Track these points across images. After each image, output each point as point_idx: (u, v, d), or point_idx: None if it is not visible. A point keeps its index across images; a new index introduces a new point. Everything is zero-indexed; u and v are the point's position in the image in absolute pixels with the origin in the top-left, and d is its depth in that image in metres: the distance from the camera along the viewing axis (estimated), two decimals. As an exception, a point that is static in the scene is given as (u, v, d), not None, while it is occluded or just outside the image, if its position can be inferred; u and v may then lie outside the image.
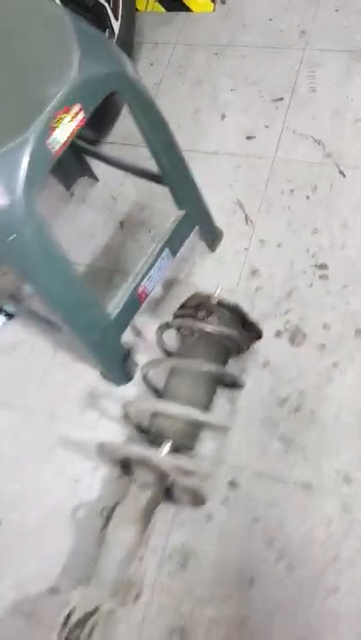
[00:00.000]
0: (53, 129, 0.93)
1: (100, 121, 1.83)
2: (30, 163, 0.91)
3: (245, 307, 1.32)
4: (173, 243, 1.39)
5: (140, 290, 1.35)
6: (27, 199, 0.93)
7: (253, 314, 1.38)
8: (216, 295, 1.31)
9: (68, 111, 0.94)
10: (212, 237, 1.58)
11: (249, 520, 1.24)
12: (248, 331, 1.34)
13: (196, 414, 1.15)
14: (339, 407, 1.32)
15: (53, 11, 1.07)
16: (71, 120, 0.95)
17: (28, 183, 0.92)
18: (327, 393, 1.34)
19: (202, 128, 1.82)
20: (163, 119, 1.20)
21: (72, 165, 1.77)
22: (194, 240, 1.56)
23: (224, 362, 1.32)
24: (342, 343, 1.39)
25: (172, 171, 1.29)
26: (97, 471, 1.35)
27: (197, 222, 1.48)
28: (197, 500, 1.16)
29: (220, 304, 1.28)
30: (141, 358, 1.45)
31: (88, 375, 1.48)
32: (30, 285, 1.09)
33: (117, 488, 1.28)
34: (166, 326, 1.29)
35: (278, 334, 1.45)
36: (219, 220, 1.60)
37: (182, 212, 1.38)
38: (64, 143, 0.96)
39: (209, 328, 1.23)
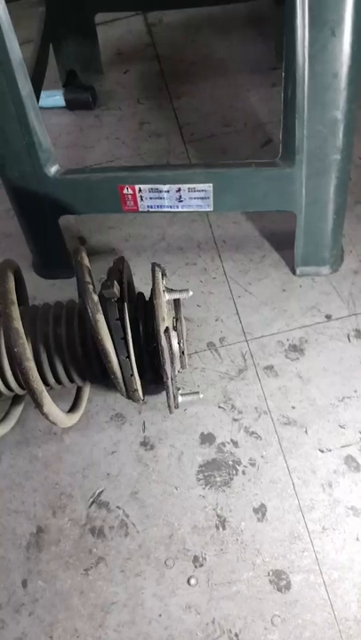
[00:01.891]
0: None
1: None
2: None
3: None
4: (226, 199, 0.78)
5: (127, 191, 0.79)
6: None
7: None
8: (175, 296, 0.71)
9: None
10: (316, 259, 0.92)
11: None
12: (151, 367, 0.74)
13: None
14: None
15: None
16: None
17: None
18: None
19: None
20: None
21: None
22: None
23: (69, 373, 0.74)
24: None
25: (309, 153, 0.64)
26: None
27: (300, 230, 0.83)
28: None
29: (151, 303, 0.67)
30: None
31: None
32: None
33: None
34: (76, 252, 0.73)
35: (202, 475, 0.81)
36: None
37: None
38: None
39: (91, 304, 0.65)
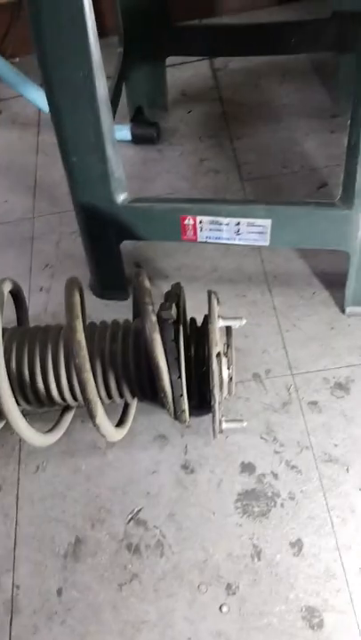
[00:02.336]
0: None
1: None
2: None
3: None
4: (283, 235, 0.81)
5: (188, 222, 0.84)
6: None
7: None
8: (229, 323, 0.74)
9: None
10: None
11: None
12: (198, 391, 0.76)
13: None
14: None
15: None
16: None
17: None
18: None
19: None
20: None
21: None
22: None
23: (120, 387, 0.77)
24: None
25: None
26: None
27: (354, 270, 0.85)
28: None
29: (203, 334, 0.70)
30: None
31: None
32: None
33: None
34: (138, 275, 0.77)
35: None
36: None
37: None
38: None
39: (150, 329, 0.68)
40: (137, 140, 1.31)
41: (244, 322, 0.73)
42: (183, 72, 1.50)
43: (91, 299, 1.06)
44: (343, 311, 0.97)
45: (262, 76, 1.44)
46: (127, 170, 1.28)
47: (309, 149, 1.25)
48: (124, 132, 1.30)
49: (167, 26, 1.17)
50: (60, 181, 0.89)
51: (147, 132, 1.29)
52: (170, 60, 1.39)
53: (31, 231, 1.19)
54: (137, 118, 1.33)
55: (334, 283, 1.00)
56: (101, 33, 0.66)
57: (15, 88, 1.34)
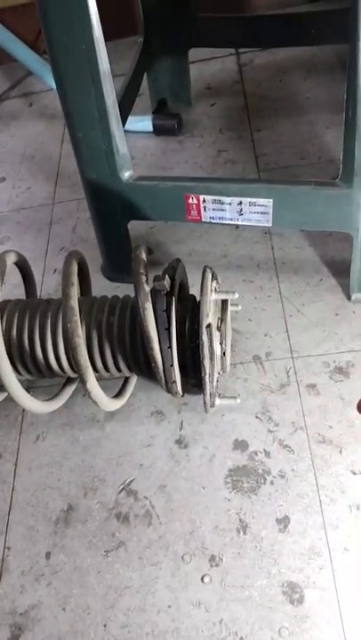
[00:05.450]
0: None
1: None
2: None
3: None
4: (285, 216, 0.81)
5: (192, 201, 0.85)
6: None
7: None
8: (222, 296, 0.75)
9: None
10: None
11: None
12: (194, 368, 0.77)
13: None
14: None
15: None
16: None
17: None
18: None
19: None
20: None
21: None
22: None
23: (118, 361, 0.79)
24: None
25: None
26: None
27: (357, 253, 0.84)
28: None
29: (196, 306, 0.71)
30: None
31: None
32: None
33: None
34: (136, 248, 0.79)
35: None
36: None
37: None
38: None
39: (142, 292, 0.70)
40: (158, 131, 1.34)
41: (236, 295, 0.74)
42: (210, 67, 1.53)
43: (102, 281, 1.09)
44: (349, 298, 0.96)
45: (287, 71, 1.45)
46: (147, 159, 1.33)
47: (328, 141, 1.25)
48: (145, 123, 1.33)
49: (188, 16, 1.20)
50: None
51: (167, 122, 1.32)
52: (197, 55, 1.42)
53: (50, 216, 1.24)
54: (159, 110, 1.36)
55: (342, 271, 0.99)
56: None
57: (44, 80, 1.39)
